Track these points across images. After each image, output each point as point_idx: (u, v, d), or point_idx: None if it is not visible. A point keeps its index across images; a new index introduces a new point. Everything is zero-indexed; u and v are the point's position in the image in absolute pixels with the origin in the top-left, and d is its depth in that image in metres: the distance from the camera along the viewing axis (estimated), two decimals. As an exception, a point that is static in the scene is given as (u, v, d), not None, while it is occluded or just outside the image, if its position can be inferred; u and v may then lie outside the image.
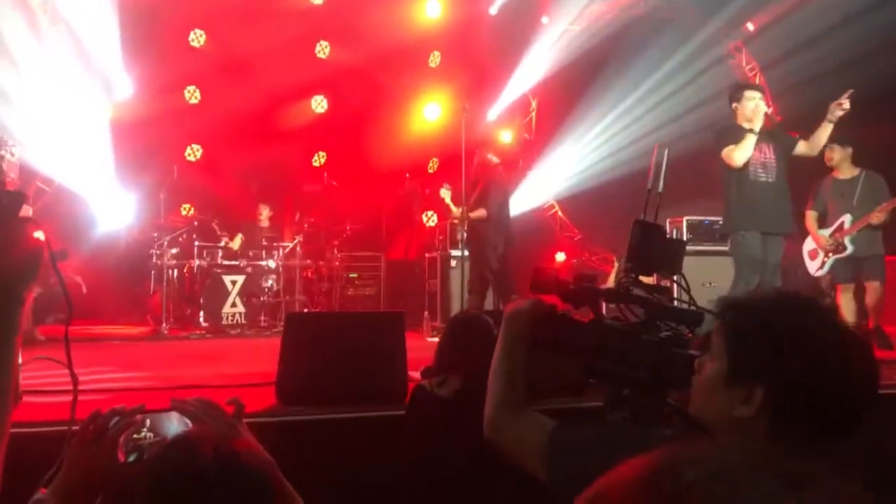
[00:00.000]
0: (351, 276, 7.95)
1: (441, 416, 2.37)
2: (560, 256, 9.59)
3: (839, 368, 1.12)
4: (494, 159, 6.58)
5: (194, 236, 7.26)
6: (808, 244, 6.03)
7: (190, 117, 8.78)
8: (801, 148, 4.98)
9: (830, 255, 5.79)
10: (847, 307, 5.74)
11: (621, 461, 0.65)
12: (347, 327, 3.35)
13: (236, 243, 7.54)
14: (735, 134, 4.86)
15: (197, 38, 8.90)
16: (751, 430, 1.16)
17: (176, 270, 7.17)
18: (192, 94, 8.96)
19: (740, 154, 4.77)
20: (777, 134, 5.02)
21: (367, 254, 8.14)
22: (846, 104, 4.72)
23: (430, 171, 9.48)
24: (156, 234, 7.05)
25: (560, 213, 9.80)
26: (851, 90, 4.77)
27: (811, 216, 5.98)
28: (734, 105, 5.03)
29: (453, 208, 6.43)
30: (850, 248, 5.71)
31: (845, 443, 1.16)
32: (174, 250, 7.09)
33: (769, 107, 9.90)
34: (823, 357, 1.13)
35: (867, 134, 6.73)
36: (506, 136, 9.86)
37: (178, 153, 8.80)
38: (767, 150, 4.90)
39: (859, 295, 5.83)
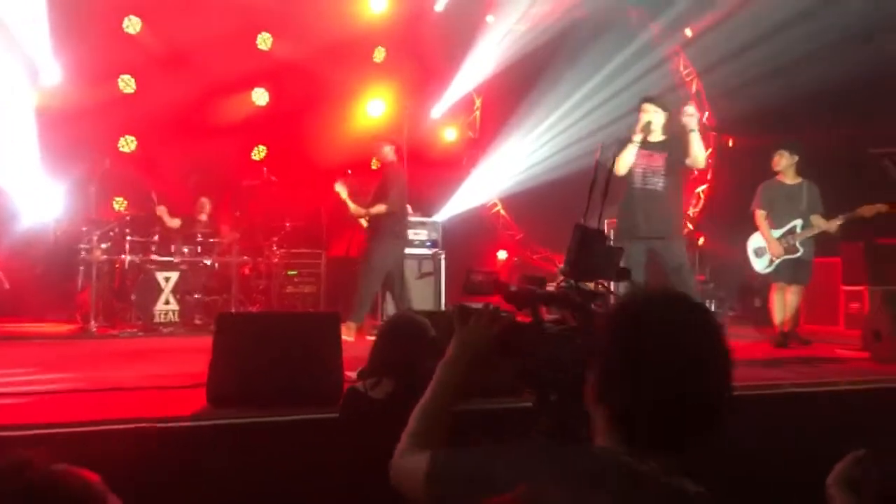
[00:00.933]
0: (290, 273, 7.80)
1: (373, 419, 2.34)
2: (501, 255, 9.65)
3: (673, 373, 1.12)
4: (391, 154, 6.48)
5: (127, 231, 7.00)
6: (755, 242, 6.22)
7: (124, 107, 8.47)
8: (688, 161, 5.25)
9: (782, 255, 5.99)
10: (779, 307, 6.00)
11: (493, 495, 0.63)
12: (281, 327, 3.29)
13: (175, 222, 7.36)
14: (624, 144, 5.18)
15: (132, 24, 8.59)
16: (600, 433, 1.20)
17: (107, 266, 6.91)
18: (127, 84, 8.65)
19: (622, 162, 5.09)
20: (673, 145, 5.24)
21: (308, 251, 8.00)
22: (691, 110, 5.18)
23: (374, 167, 9.39)
24: (85, 228, 6.77)
25: (503, 211, 9.86)
26: (693, 104, 5.26)
27: (762, 216, 6.16)
28: (638, 116, 5.31)
29: (350, 205, 6.38)
30: (800, 251, 5.95)
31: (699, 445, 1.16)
32: (105, 245, 6.83)
33: (703, 111, 10.25)
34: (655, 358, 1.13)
35: (804, 138, 7.02)
36: (449, 134, 9.87)
37: (111, 144, 8.47)
38: (660, 159, 5.19)
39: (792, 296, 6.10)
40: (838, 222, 5.91)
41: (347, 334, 5.18)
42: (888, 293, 5.31)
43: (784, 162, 6.13)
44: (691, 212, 10.36)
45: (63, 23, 7.65)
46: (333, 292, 7.85)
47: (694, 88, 10.57)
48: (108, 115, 8.22)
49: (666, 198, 5.21)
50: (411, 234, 7.02)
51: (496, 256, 9.39)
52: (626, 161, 5.08)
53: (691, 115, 5.11)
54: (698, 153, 5.18)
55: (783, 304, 6.04)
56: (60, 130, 7.64)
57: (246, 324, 3.37)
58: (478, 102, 9.93)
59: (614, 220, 5.52)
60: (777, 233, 6.05)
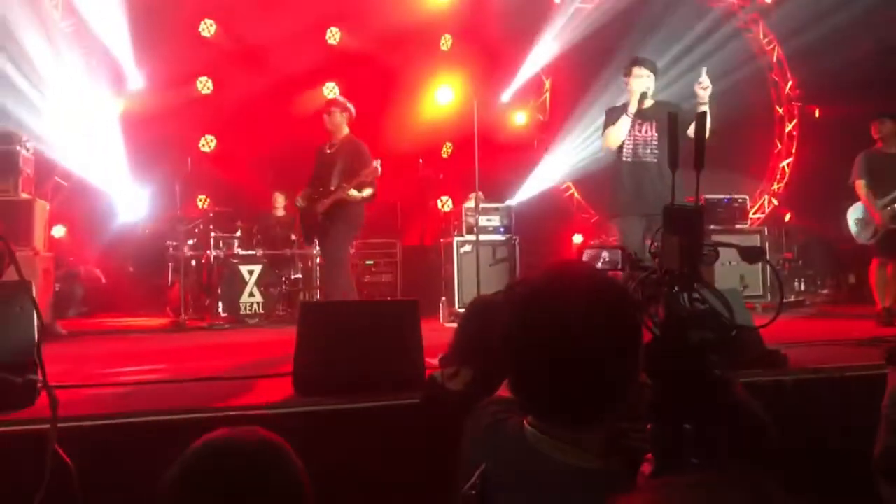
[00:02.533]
0: (367, 263, 7.93)
1: (448, 410, 2.34)
2: (577, 238, 9.51)
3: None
4: (345, 122, 5.55)
5: (211, 227, 7.28)
6: (856, 212, 5.88)
7: (203, 108, 8.79)
8: (690, 133, 4.71)
9: (886, 225, 5.65)
10: (881, 282, 5.67)
11: None
12: (362, 316, 3.33)
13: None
14: (616, 113, 4.72)
15: (207, 27, 8.89)
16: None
17: (194, 261, 7.20)
18: (205, 85, 8.97)
19: (614, 136, 4.66)
20: (663, 111, 4.64)
21: (383, 240, 8.11)
22: (706, 82, 4.42)
23: (444, 155, 9.42)
24: (172, 226, 7.07)
25: (576, 193, 9.70)
26: (705, 67, 4.52)
27: (863, 185, 5.82)
28: (625, 80, 4.80)
29: (352, 192, 5.34)
30: None
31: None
32: (191, 241, 7.12)
33: (786, 81, 9.77)
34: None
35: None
36: (519, 118, 9.77)
37: (192, 144, 8.81)
38: (650, 128, 4.70)
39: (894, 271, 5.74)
40: None
41: None
42: None
43: (886, 129, 5.77)
44: (775, 187, 9.91)
45: (143, 31, 7.98)
46: (410, 280, 7.94)
47: (775, 57, 10.08)
48: (188, 117, 8.57)
49: (659, 171, 4.69)
50: (484, 220, 6.99)
51: (571, 240, 9.26)
52: (617, 135, 4.64)
53: (705, 88, 4.43)
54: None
55: (885, 279, 5.70)
56: (145, 133, 8.00)
57: (328, 313, 3.43)
58: (547, 84, 9.78)
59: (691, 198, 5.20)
60: (882, 202, 5.71)
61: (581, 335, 1.16)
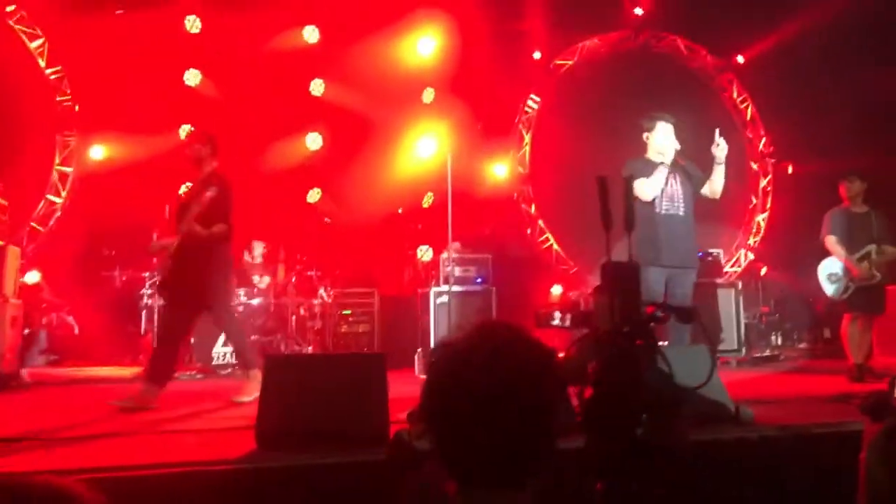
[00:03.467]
0: (344, 313, 7.88)
1: (414, 471, 2.30)
2: (556, 290, 9.54)
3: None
4: (212, 157, 5.10)
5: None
6: (827, 267, 5.97)
7: (182, 157, 8.82)
8: (705, 189, 4.92)
9: (857, 281, 5.74)
10: (853, 338, 5.72)
11: None
12: (327, 369, 3.31)
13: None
14: (646, 166, 4.82)
15: (192, 77, 9.00)
16: None
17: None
18: (187, 133, 9.02)
19: (650, 188, 4.74)
20: (688, 167, 4.92)
21: (361, 290, 8.09)
22: (722, 143, 4.73)
23: (425, 205, 9.49)
24: (147, 274, 7.02)
25: (555, 245, 9.77)
26: (718, 128, 4.81)
27: (835, 241, 5.93)
28: (646, 135, 4.95)
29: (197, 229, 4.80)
30: (877, 277, 5.71)
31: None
32: (166, 290, 7.05)
33: (760, 137, 10.04)
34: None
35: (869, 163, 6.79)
36: (500, 170, 9.89)
37: (173, 191, 8.81)
38: (675, 182, 4.84)
39: (865, 326, 5.81)
40: None
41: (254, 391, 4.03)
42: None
43: (855, 188, 5.93)
44: (752, 241, 10.05)
45: (126, 80, 8.08)
46: (388, 331, 7.90)
47: (749, 115, 10.35)
48: (168, 163, 8.60)
49: (692, 225, 4.91)
50: (461, 270, 7.01)
51: (550, 291, 9.28)
52: (655, 187, 4.74)
53: (721, 148, 4.76)
54: (718, 186, 4.88)
55: (857, 334, 5.77)
56: (124, 178, 8.01)
57: (293, 365, 3.40)
58: (527, 138, 9.95)
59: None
60: (852, 258, 5.81)
61: (500, 400, 1.15)
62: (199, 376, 6.50)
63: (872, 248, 5.78)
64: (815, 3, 8.57)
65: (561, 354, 1.64)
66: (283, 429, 3.06)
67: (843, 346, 5.84)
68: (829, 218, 6.03)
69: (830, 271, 5.96)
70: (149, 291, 6.93)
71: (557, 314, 1.77)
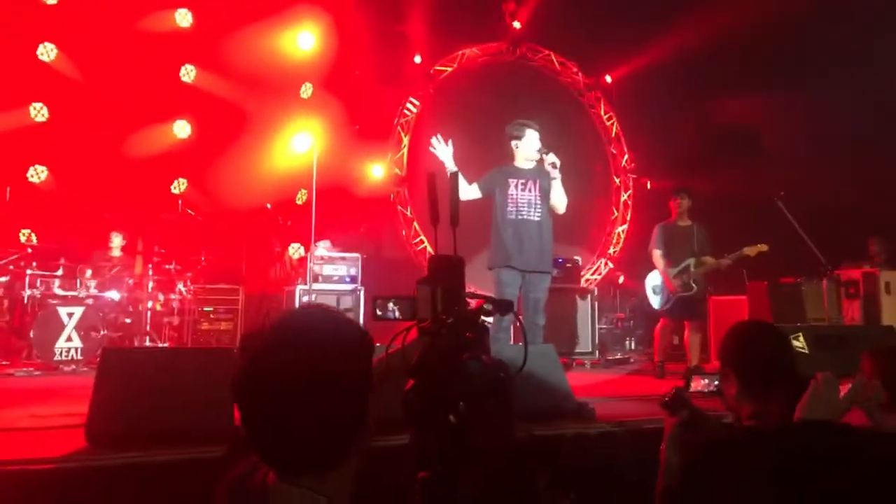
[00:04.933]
0: (206, 309, 7.56)
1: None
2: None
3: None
4: None
5: (32, 263, 6.67)
6: (652, 280, 6.45)
7: (35, 136, 8.17)
8: (552, 199, 5.13)
9: (678, 293, 6.22)
10: (663, 341, 6.34)
11: None
12: (170, 364, 3.15)
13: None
14: (514, 172, 5.07)
15: (47, 51, 8.35)
16: None
17: (6, 301, 6.55)
18: (39, 112, 8.35)
19: (470, 193, 5.01)
20: (543, 174, 5.12)
21: (225, 286, 7.79)
22: (551, 157, 4.98)
23: (299, 202, 9.31)
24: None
25: (430, 248, 9.87)
26: (551, 153, 5.03)
27: (659, 255, 6.39)
28: (515, 143, 5.16)
29: None
30: (694, 289, 6.20)
31: None
32: (3, 278, 6.48)
33: (623, 153, 10.63)
34: None
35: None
36: (377, 171, 9.88)
37: (20, 174, 8.13)
38: (534, 188, 5.07)
39: (679, 332, 6.45)
40: (727, 261, 6.24)
41: None
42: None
43: (685, 204, 6.42)
44: (612, 251, 10.62)
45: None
46: (251, 330, 7.66)
47: (614, 132, 10.94)
48: (17, 144, 7.92)
49: (548, 230, 5.09)
50: (331, 269, 6.93)
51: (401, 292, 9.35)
52: (471, 194, 5.00)
53: (553, 165, 4.96)
54: (557, 201, 5.08)
55: (665, 338, 6.36)
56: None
57: (132, 359, 3.22)
58: (405, 140, 10.00)
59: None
60: (673, 271, 6.31)
61: (307, 385, 1.15)
62: (37, 373, 6.01)
63: (691, 261, 6.29)
64: (672, 34, 9.22)
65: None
66: (117, 426, 2.89)
67: (654, 346, 6.41)
68: (655, 232, 6.54)
69: (654, 283, 6.46)
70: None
71: (391, 305, 1.79)
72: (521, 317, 4.77)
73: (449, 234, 1.50)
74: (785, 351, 2.22)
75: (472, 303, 1.73)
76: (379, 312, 1.74)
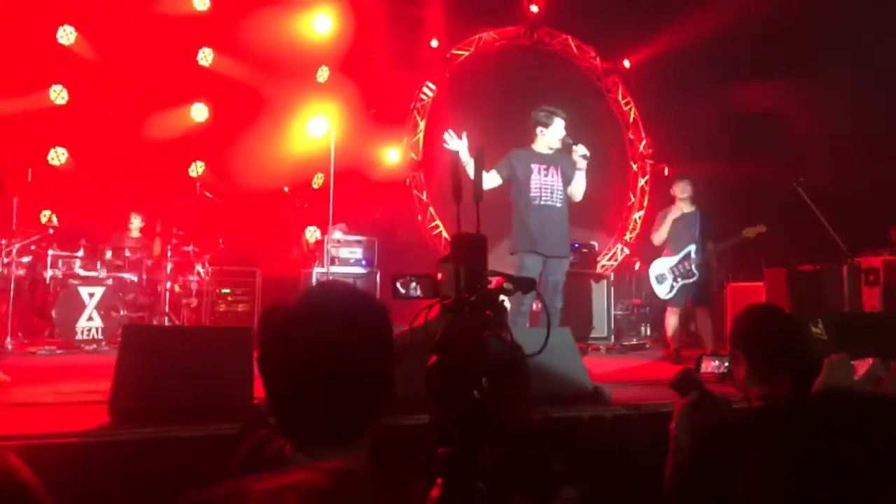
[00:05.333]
0: (223, 291, 7.63)
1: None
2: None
3: None
4: None
5: (51, 244, 6.76)
6: (656, 268, 6.42)
7: (55, 118, 8.25)
8: (572, 187, 5.16)
9: (680, 280, 6.20)
10: (673, 327, 6.31)
11: None
12: (190, 343, 3.20)
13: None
14: (529, 156, 5.08)
15: (66, 34, 8.40)
16: None
17: (28, 281, 6.65)
18: (59, 94, 8.42)
19: (489, 182, 4.99)
20: (564, 160, 5.16)
21: (241, 269, 7.85)
22: (581, 149, 5.02)
23: (315, 186, 9.34)
24: (4, 241, 6.51)
25: (445, 233, 9.88)
26: (564, 135, 5.07)
27: (658, 240, 6.41)
28: (541, 129, 5.16)
29: None
30: (696, 275, 6.18)
31: None
32: (26, 259, 6.57)
33: (641, 139, 10.56)
34: None
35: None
36: (392, 155, 9.88)
37: (41, 156, 8.22)
38: (556, 174, 5.10)
39: (685, 320, 6.44)
40: (727, 244, 6.26)
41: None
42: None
43: (690, 190, 6.39)
44: (628, 237, 10.58)
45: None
46: (272, 304, 7.71)
47: (632, 117, 10.85)
48: (37, 126, 8.01)
49: (566, 216, 5.14)
50: (346, 252, 6.97)
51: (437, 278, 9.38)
52: (491, 182, 4.99)
53: (584, 157, 5.03)
54: (577, 190, 5.13)
55: (678, 325, 6.33)
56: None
57: (153, 337, 3.27)
58: (421, 125, 9.98)
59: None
60: (675, 258, 6.28)
61: (331, 356, 1.17)
62: (59, 352, 6.11)
63: (692, 247, 6.25)
64: (693, 18, 9.10)
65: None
66: (139, 402, 2.94)
67: (665, 334, 6.39)
68: (658, 217, 6.52)
69: (658, 272, 6.43)
70: (6, 260, 6.43)
71: (413, 283, 1.80)
72: (542, 297, 4.80)
73: (472, 212, 1.50)
74: (794, 334, 2.22)
75: (493, 281, 1.74)
76: (402, 290, 1.75)
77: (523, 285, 1.60)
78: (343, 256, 6.87)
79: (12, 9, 7.72)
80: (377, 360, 1.22)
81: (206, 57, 9.05)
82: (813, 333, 5.13)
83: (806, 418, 0.92)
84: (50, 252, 6.62)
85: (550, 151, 5.11)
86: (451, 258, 1.56)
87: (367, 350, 1.20)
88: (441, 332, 1.52)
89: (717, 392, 2.26)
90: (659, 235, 6.45)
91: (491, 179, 5.03)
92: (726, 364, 2.35)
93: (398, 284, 1.85)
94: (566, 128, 5.15)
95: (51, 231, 6.82)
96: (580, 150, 4.98)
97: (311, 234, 8.53)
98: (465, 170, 4.01)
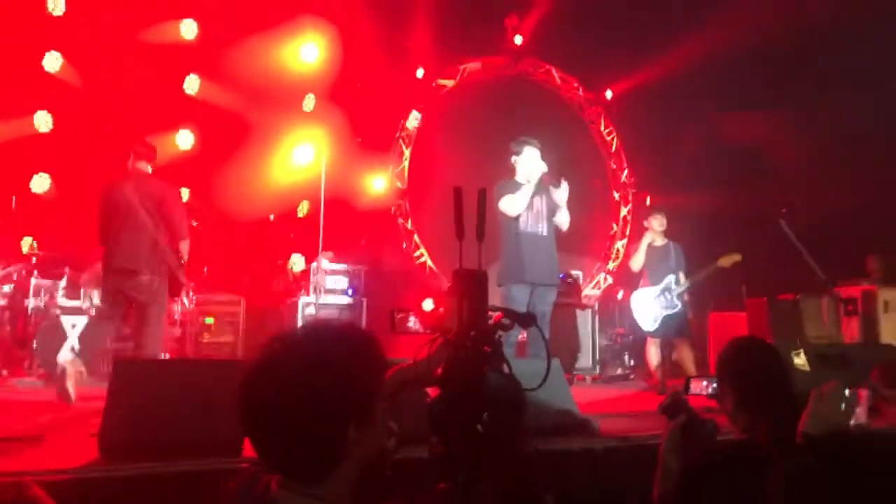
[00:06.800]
0: (207, 321, 7.56)
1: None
2: (428, 304, 9.65)
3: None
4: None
5: (33, 273, 6.69)
6: (639, 299, 6.48)
7: (39, 145, 8.21)
8: (558, 217, 5.24)
9: (663, 311, 6.28)
10: (655, 357, 6.38)
11: None
12: (181, 376, 3.18)
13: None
14: (512, 187, 5.11)
15: (53, 61, 8.39)
16: None
17: (8, 311, 6.55)
18: (44, 121, 8.39)
19: (516, 205, 5.01)
20: (549, 191, 5.23)
21: (226, 298, 7.79)
22: (565, 185, 5.13)
23: (300, 214, 9.35)
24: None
25: (429, 261, 9.91)
26: (566, 182, 5.14)
27: (638, 267, 6.49)
28: (514, 159, 5.24)
29: None
30: (679, 306, 6.26)
31: None
32: (7, 287, 6.49)
33: (622, 168, 10.69)
34: None
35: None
36: (378, 184, 9.92)
37: (23, 183, 8.15)
38: (540, 203, 5.17)
39: (667, 350, 6.49)
40: (703, 274, 6.37)
41: None
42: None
43: (660, 223, 6.51)
44: (611, 265, 10.67)
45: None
46: (253, 341, 7.65)
47: (614, 147, 11.03)
48: (21, 153, 7.95)
49: (553, 244, 5.20)
50: (332, 281, 6.96)
51: (421, 306, 9.39)
52: (521, 204, 5.00)
53: (564, 191, 5.13)
54: (561, 221, 5.23)
55: (659, 355, 6.39)
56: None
57: (144, 371, 3.25)
58: (407, 153, 10.06)
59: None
60: (656, 289, 6.36)
61: (299, 385, 1.21)
62: (39, 383, 6.01)
63: (672, 278, 6.35)
64: (675, 50, 9.32)
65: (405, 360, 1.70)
66: (130, 436, 2.91)
67: (647, 365, 6.44)
68: (630, 252, 6.64)
69: (641, 304, 6.49)
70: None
71: (412, 318, 1.82)
72: (528, 331, 4.80)
73: (475, 249, 1.54)
74: (778, 366, 2.27)
75: (492, 316, 1.77)
76: (401, 325, 1.77)
77: (523, 321, 1.63)
78: (329, 286, 6.86)
79: (-2, 37, 7.71)
80: (350, 394, 1.24)
81: (192, 84, 9.07)
82: (795, 364, 5.21)
83: (789, 455, 0.96)
84: (32, 281, 6.54)
85: (531, 181, 5.13)
86: (454, 293, 1.60)
87: (339, 382, 1.23)
88: (444, 366, 1.55)
89: (706, 416, 2.30)
90: (636, 261, 6.55)
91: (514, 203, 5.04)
92: (714, 385, 2.39)
93: (397, 319, 1.87)
94: (545, 158, 5.20)
95: (34, 259, 6.75)
96: (564, 188, 5.08)
97: (297, 262, 8.51)
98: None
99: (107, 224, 5.01)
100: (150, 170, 5.28)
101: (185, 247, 5.29)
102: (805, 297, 7.04)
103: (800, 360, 4.86)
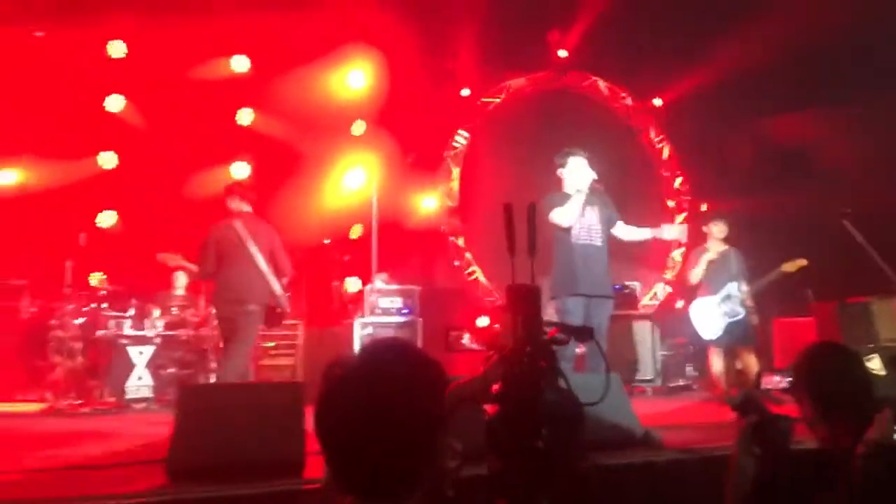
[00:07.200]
0: (266, 345, 7.71)
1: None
2: (482, 321, 9.61)
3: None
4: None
5: (102, 305, 6.96)
6: (699, 308, 6.30)
7: (104, 183, 8.58)
8: (617, 230, 5.11)
9: (726, 318, 6.10)
10: (719, 368, 6.18)
11: None
12: (243, 400, 3.25)
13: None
14: (561, 199, 4.98)
15: (115, 102, 8.79)
16: None
17: (80, 342, 6.83)
18: (108, 160, 8.78)
19: (567, 215, 4.87)
20: (604, 201, 5.11)
21: (285, 322, 7.92)
22: (668, 231, 5.16)
23: (353, 237, 9.48)
24: (59, 304, 6.73)
25: (482, 277, 9.90)
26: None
27: (701, 280, 6.30)
28: (560, 171, 5.12)
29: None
30: (742, 313, 6.07)
31: None
32: (79, 320, 6.77)
33: (677, 175, 10.50)
34: None
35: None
36: (428, 203, 10.00)
37: (89, 220, 8.52)
38: (592, 213, 5.02)
39: (730, 359, 6.29)
40: (767, 281, 6.17)
41: None
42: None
43: (720, 230, 6.33)
44: (669, 275, 10.45)
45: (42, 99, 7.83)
46: (312, 363, 7.75)
47: (665, 154, 10.85)
48: (86, 191, 8.32)
49: (606, 255, 5.05)
50: (387, 302, 7.01)
51: (475, 323, 9.37)
52: (572, 214, 4.88)
53: (667, 232, 5.22)
54: (633, 237, 5.19)
55: (723, 364, 6.21)
56: (37, 205, 7.71)
57: (208, 396, 3.33)
58: (455, 172, 10.12)
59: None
60: (716, 297, 6.17)
61: (383, 420, 1.21)
62: (110, 411, 6.23)
63: (733, 285, 6.15)
64: (721, 54, 9.14)
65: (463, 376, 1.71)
66: (196, 460, 2.99)
67: (710, 375, 6.23)
68: (693, 255, 6.45)
69: (702, 312, 6.29)
70: (59, 322, 6.63)
71: (467, 336, 1.83)
72: (585, 344, 4.72)
73: (527, 264, 1.54)
74: (862, 371, 2.18)
75: (548, 331, 1.76)
76: (456, 343, 1.77)
77: (580, 335, 1.62)
78: (384, 306, 6.92)
79: (63, 80, 8.11)
80: (424, 420, 1.25)
81: (245, 117, 9.35)
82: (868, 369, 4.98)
83: (867, 467, 0.92)
84: (102, 313, 6.81)
85: (580, 193, 5.02)
86: (508, 309, 1.60)
87: (417, 413, 1.24)
88: (501, 383, 1.54)
89: (780, 412, 2.21)
90: (694, 274, 6.37)
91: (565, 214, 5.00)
92: (788, 379, 2.30)
93: (452, 337, 1.87)
94: (594, 167, 5.09)
95: (103, 292, 7.02)
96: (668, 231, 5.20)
97: (352, 284, 8.62)
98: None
99: (218, 259, 5.38)
100: (251, 209, 5.68)
101: (285, 281, 5.75)
102: (877, 300, 6.73)
103: (874, 364, 4.66)
